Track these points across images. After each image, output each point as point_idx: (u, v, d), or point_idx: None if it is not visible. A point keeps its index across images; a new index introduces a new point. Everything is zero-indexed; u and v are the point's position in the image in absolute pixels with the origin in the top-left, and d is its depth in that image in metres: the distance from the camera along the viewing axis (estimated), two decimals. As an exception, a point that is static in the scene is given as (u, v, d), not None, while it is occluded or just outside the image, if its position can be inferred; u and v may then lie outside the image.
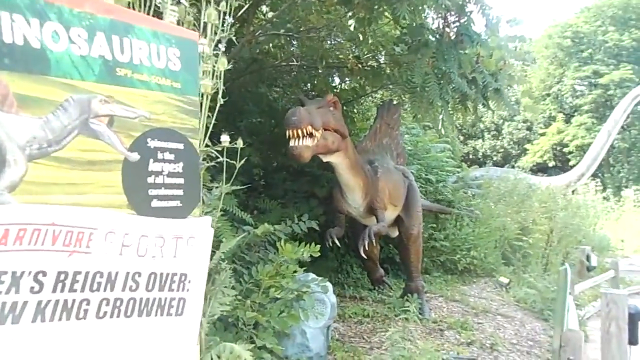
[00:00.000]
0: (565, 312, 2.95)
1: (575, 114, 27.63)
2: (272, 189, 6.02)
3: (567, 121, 27.75)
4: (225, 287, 2.23)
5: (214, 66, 1.74)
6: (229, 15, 2.17)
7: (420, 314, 5.12)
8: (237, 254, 3.20)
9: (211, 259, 2.18)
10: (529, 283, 6.53)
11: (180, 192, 1.56)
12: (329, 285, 3.59)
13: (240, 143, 2.10)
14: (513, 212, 9.01)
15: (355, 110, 6.85)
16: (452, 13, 4.23)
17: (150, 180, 1.47)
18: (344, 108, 7.04)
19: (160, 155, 1.51)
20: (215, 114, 1.81)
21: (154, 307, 1.44)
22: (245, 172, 5.61)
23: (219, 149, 2.12)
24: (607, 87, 25.87)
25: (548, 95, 28.56)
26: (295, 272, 2.86)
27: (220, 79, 1.83)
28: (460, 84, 4.24)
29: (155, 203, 1.49)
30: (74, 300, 1.26)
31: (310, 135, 3.45)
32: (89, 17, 1.34)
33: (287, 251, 2.80)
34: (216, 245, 2.36)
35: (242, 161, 2.11)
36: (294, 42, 5.10)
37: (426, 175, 8.50)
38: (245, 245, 3.61)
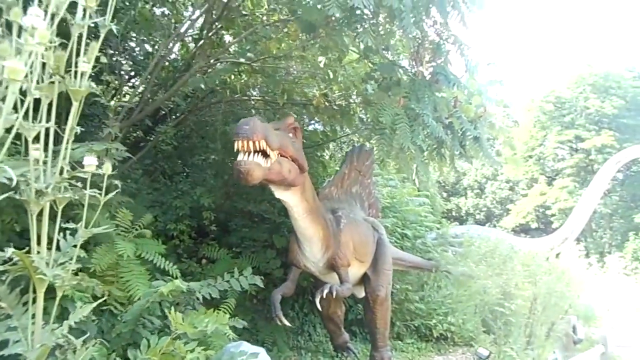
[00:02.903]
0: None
1: (557, 177, 27.76)
2: (227, 237, 5.38)
3: (550, 183, 27.84)
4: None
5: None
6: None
7: (384, 392, 4.40)
8: (145, 316, 2.51)
9: (55, 330, 1.53)
10: (510, 358, 5.82)
11: None
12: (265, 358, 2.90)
13: (107, 168, 1.52)
14: (494, 274, 8.39)
15: (326, 155, 6.34)
16: (427, 51, 3.81)
17: None
18: (317, 154, 6.58)
19: None
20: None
21: None
22: (194, 215, 5.01)
23: (83, 175, 1.53)
24: (589, 152, 26.16)
25: (530, 157, 28.81)
26: (191, 351, 2.17)
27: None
28: (434, 127, 3.75)
29: None
30: None
31: (264, 153, 2.82)
32: None
33: (177, 323, 2.13)
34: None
35: (110, 195, 1.52)
36: (257, 75, 4.66)
37: (402, 229, 7.94)
38: (169, 303, 2.93)
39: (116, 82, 4.89)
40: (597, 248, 24.22)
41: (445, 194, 27.84)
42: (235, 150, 2.80)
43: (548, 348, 6.31)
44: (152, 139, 5.15)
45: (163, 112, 5.76)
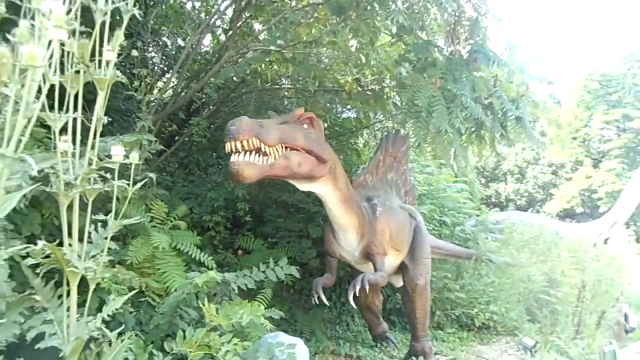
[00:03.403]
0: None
1: (604, 159, 26.48)
2: (262, 227, 5.38)
3: (595, 166, 26.59)
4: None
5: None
6: None
7: (425, 382, 4.30)
8: (181, 307, 2.51)
9: (89, 323, 1.51)
10: (558, 347, 5.57)
11: None
12: (302, 350, 2.86)
13: (134, 158, 1.48)
14: (538, 261, 8.07)
15: (360, 143, 6.22)
16: (464, 28, 3.62)
17: None
18: (351, 142, 6.46)
19: None
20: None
21: None
22: (229, 206, 5.02)
23: (110, 166, 1.50)
24: (638, 131, 24.79)
25: (575, 138, 27.56)
26: (228, 342, 2.13)
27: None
28: (473, 108, 3.57)
29: None
30: None
31: (259, 151, 2.71)
32: None
33: (211, 315, 2.09)
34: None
35: (137, 186, 1.48)
36: (288, 64, 4.58)
37: (440, 217, 7.74)
38: (204, 294, 2.93)
39: (149, 77, 4.93)
40: (647, 232, 23.03)
41: (483, 180, 27.12)
42: (226, 152, 2.71)
43: (599, 337, 6.01)
44: (186, 132, 5.18)
45: (196, 105, 5.79)
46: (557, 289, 7.38)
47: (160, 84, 5.76)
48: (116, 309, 1.73)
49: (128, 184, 1.53)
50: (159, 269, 2.90)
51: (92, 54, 1.56)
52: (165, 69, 6.06)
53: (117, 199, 1.77)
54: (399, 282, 4.86)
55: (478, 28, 3.66)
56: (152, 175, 2.90)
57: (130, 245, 2.91)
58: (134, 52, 3.56)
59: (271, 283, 3.78)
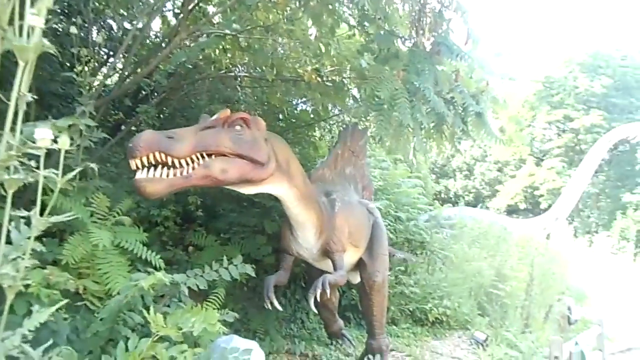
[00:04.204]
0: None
1: (545, 157, 27.85)
2: (214, 222, 5.12)
3: (538, 164, 27.93)
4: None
5: None
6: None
7: (382, 381, 4.22)
8: (125, 312, 2.25)
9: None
10: (508, 341, 5.69)
11: None
12: (258, 355, 2.67)
13: (64, 143, 1.24)
14: (489, 256, 8.27)
15: (318, 136, 6.07)
16: (427, 18, 3.54)
17: None
18: (307, 134, 6.29)
19: None
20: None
21: None
22: (179, 200, 4.73)
23: (34, 151, 1.25)
24: (577, 131, 26.23)
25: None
26: (181, 352, 1.91)
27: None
28: (436, 103, 3.51)
29: None
30: None
31: (166, 165, 2.45)
32: None
33: (157, 325, 1.86)
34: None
35: (69, 176, 1.25)
36: (242, 51, 4.33)
37: (396, 212, 7.75)
38: (151, 297, 2.68)
39: (92, 60, 4.55)
40: (584, 228, 24.46)
41: (434, 176, 27.82)
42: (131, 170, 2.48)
43: (547, 330, 6.21)
44: (132, 120, 4.84)
45: (144, 93, 5.43)
46: (506, 283, 7.60)
47: (105, 69, 5.35)
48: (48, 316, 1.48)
49: (56, 174, 1.29)
50: (99, 270, 2.62)
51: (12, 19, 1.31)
52: (111, 52, 5.64)
53: (52, 191, 1.52)
54: (356, 279, 4.76)
55: (442, 20, 3.59)
56: (93, 165, 2.61)
57: (66, 243, 2.61)
58: (73, 29, 3.21)
59: (224, 282, 3.56)
